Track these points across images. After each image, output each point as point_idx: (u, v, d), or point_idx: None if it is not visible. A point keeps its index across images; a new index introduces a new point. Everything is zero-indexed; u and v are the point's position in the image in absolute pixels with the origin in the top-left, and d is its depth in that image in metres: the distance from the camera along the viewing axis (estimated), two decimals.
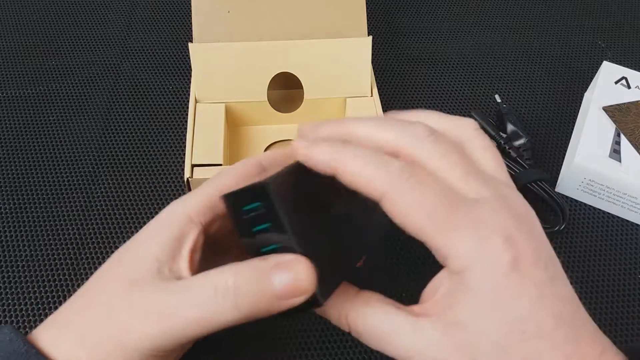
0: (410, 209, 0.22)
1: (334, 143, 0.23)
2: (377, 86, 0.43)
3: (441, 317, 0.22)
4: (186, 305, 0.22)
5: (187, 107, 0.44)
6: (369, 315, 0.24)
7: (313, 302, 0.22)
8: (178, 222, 0.25)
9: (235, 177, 0.26)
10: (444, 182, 0.23)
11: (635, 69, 0.46)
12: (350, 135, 0.25)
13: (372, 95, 0.43)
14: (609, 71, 0.46)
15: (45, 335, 0.24)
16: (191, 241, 0.25)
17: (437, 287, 0.23)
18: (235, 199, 0.23)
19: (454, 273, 0.22)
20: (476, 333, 0.21)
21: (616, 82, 0.45)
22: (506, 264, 0.21)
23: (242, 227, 0.23)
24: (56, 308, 0.34)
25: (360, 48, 0.41)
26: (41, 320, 0.34)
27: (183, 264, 0.24)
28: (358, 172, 0.22)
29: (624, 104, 0.43)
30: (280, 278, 0.22)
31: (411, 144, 0.23)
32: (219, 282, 0.22)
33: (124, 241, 0.25)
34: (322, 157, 0.23)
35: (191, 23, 0.41)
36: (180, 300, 0.23)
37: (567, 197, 0.42)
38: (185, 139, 0.39)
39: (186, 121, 0.41)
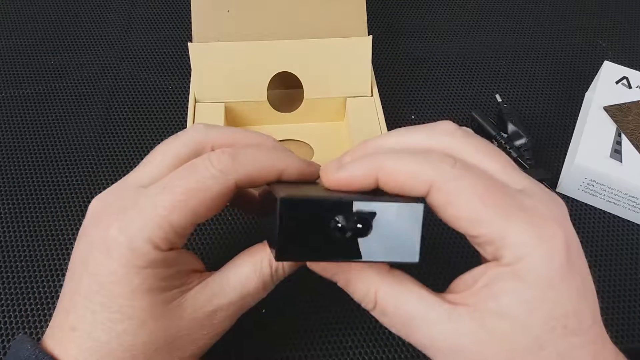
0: (462, 195, 0.21)
1: (366, 155, 0.23)
2: (377, 86, 0.43)
3: (481, 308, 0.21)
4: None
5: (187, 107, 0.44)
6: (401, 295, 0.23)
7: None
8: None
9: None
10: (487, 172, 0.22)
11: (636, 69, 0.46)
12: (381, 148, 0.24)
13: (372, 95, 0.43)
14: (609, 71, 0.46)
15: (51, 341, 0.24)
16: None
17: (476, 278, 0.22)
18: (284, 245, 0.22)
19: (506, 264, 0.21)
20: (518, 326, 0.21)
21: (617, 82, 0.45)
22: (562, 255, 0.21)
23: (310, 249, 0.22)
24: (55, 307, 0.34)
25: (360, 48, 0.41)
26: (40, 321, 0.34)
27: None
28: (401, 168, 0.22)
29: (625, 103, 0.43)
30: None
31: (443, 139, 0.23)
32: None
33: None
34: (358, 170, 0.23)
35: (191, 23, 0.41)
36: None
37: (567, 197, 0.42)
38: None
39: (185, 121, 0.41)
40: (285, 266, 0.27)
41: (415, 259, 0.22)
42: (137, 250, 0.23)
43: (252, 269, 0.26)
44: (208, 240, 0.38)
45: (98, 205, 0.26)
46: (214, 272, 0.26)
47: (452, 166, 0.21)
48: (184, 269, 0.25)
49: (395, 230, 0.22)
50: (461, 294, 0.23)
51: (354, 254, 0.22)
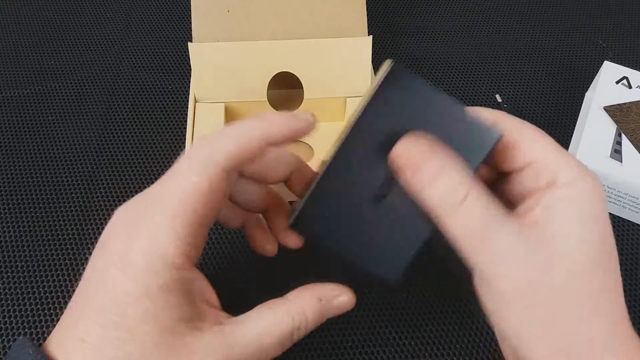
0: (527, 133, 0.25)
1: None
2: None
3: (542, 229, 0.23)
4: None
5: (187, 107, 0.44)
6: (480, 201, 0.23)
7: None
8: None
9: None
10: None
11: (636, 69, 0.46)
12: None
13: None
14: (610, 71, 0.46)
15: (56, 347, 0.24)
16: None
17: (532, 206, 0.24)
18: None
19: (562, 185, 0.23)
20: (576, 246, 0.23)
21: (617, 82, 0.45)
22: (602, 192, 0.24)
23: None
24: (56, 309, 0.34)
25: (360, 48, 0.41)
26: (40, 321, 0.34)
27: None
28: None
29: (625, 103, 0.43)
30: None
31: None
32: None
33: None
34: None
35: (191, 23, 0.41)
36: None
37: None
38: (185, 139, 0.39)
39: (186, 121, 0.41)
40: (310, 322, 0.26)
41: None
42: (152, 271, 0.23)
43: (271, 324, 0.25)
44: (210, 246, 0.38)
45: (119, 217, 0.26)
46: (229, 316, 0.26)
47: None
48: (198, 300, 0.25)
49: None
50: (522, 219, 0.24)
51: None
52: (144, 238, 0.23)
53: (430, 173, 0.23)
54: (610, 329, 0.23)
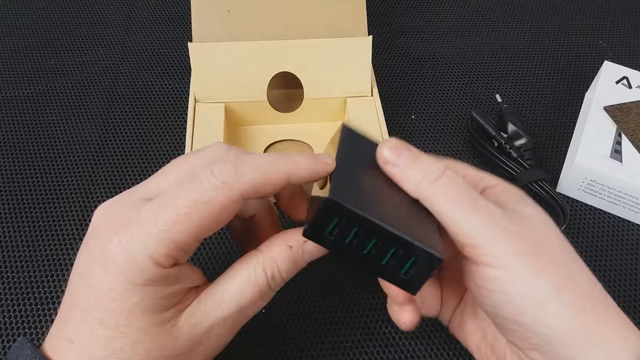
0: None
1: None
2: (377, 86, 0.43)
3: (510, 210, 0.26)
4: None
5: (187, 107, 0.44)
6: (456, 176, 0.26)
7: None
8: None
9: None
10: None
11: (636, 69, 0.46)
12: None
13: (372, 95, 0.43)
14: (610, 71, 0.46)
15: (50, 350, 0.24)
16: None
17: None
18: (314, 230, 0.23)
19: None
20: (536, 226, 0.26)
21: (617, 82, 0.45)
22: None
23: (336, 248, 0.24)
24: (56, 309, 0.34)
25: (360, 48, 0.41)
26: (40, 322, 0.34)
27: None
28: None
29: (625, 103, 0.43)
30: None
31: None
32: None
33: None
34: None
35: (190, 23, 0.41)
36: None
37: (568, 197, 0.42)
38: (185, 139, 0.39)
39: (186, 121, 0.41)
40: (282, 271, 0.26)
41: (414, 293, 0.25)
42: (136, 268, 0.22)
43: (246, 279, 0.25)
44: (213, 252, 0.38)
45: (101, 216, 0.25)
46: (210, 284, 0.26)
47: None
48: (184, 287, 0.25)
49: (409, 265, 0.24)
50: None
51: (370, 269, 0.24)
52: (133, 235, 0.23)
53: (410, 156, 0.26)
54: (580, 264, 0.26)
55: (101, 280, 0.23)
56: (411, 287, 0.24)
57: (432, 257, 0.23)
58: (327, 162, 0.26)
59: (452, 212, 0.25)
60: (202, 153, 0.26)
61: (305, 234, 0.24)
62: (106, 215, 0.25)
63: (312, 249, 0.26)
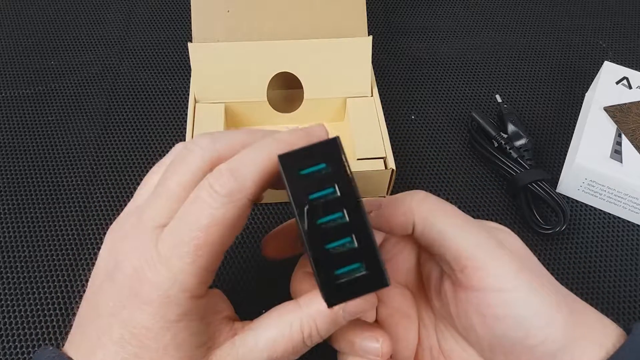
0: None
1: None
2: (377, 86, 0.43)
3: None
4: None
5: (187, 107, 0.44)
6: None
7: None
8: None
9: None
10: None
11: (636, 69, 0.46)
12: None
13: (372, 95, 0.43)
14: (610, 71, 0.46)
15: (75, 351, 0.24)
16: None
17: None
18: (292, 161, 0.21)
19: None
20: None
21: (617, 82, 0.45)
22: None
23: (298, 195, 0.21)
24: (55, 309, 0.34)
25: (360, 48, 0.41)
26: (40, 322, 0.34)
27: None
28: None
29: (625, 104, 0.43)
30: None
31: None
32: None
33: None
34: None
35: (190, 23, 0.41)
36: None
37: (568, 197, 0.42)
38: (185, 140, 0.39)
39: (185, 121, 0.41)
40: (321, 330, 0.25)
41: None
42: (171, 304, 0.22)
43: (281, 333, 0.24)
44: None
45: (117, 246, 0.25)
46: (242, 325, 0.25)
47: None
48: (215, 319, 0.25)
49: (350, 269, 0.22)
50: None
51: (311, 245, 0.22)
52: (163, 276, 0.22)
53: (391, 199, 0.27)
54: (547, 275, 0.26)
55: (137, 319, 0.23)
56: (333, 294, 0.21)
57: (382, 277, 0.21)
58: (321, 134, 0.24)
59: (453, 230, 0.24)
60: (192, 159, 0.24)
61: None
62: (123, 251, 0.24)
63: (353, 310, 0.25)
